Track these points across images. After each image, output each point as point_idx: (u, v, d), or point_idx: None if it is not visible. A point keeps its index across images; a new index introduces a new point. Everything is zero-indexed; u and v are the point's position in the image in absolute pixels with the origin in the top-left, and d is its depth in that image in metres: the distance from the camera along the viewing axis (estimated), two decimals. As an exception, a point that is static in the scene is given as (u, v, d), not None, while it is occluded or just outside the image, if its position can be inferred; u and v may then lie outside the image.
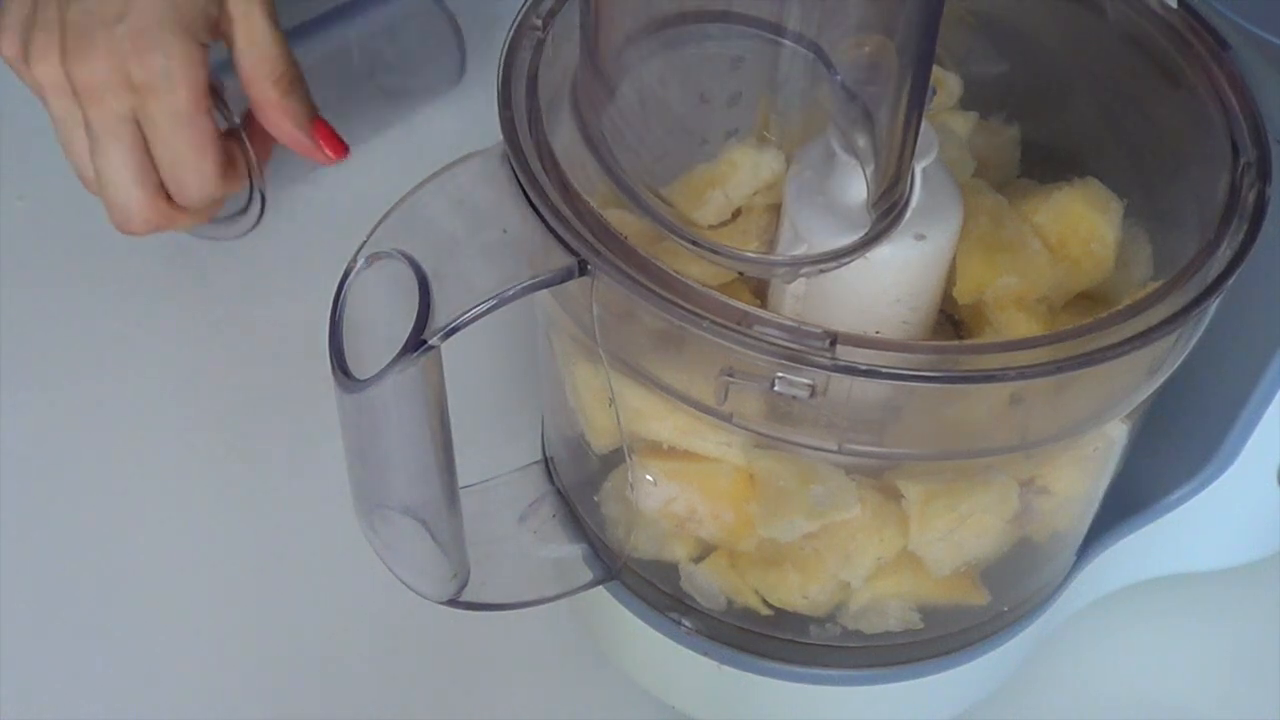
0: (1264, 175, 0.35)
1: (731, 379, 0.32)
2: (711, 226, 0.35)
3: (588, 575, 0.41)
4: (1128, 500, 0.43)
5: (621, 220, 0.33)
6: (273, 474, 0.52)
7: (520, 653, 0.47)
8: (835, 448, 0.32)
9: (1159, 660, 0.48)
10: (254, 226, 0.56)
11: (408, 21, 0.60)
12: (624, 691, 0.45)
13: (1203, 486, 0.43)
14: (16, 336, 0.56)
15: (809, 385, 0.31)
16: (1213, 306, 0.33)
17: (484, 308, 0.32)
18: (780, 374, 0.31)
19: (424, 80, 0.61)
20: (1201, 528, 0.44)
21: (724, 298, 0.31)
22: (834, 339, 0.30)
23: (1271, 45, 0.37)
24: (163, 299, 0.58)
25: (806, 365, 0.30)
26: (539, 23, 0.36)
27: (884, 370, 0.30)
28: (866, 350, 0.30)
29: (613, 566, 0.40)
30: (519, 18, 0.36)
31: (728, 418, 0.32)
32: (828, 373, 0.30)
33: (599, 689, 0.46)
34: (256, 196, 0.55)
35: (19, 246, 0.59)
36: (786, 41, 0.32)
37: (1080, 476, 0.38)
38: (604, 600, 0.41)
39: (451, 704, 0.46)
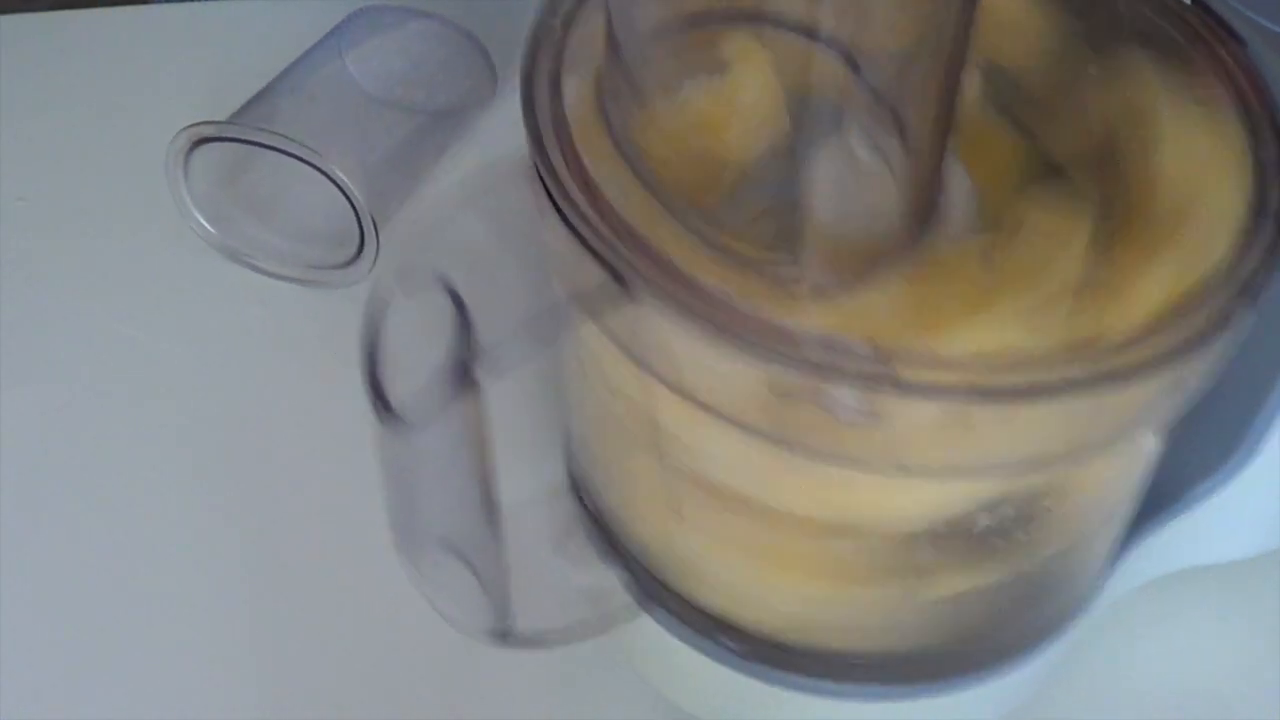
0: (1286, 173, 0.35)
1: (781, 399, 0.31)
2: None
3: (628, 602, 0.40)
4: (1153, 497, 0.43)
5: (655, 230, 0.32)
6: (278, 478, 0.51)
7: (539, 659, 0.46)
8: (892, 466, 0.32)
9: (1184, 651, 0.48)
10: (370, 270, 0.55)
11: (430, 49, 0.60)
12: (649, 703, 0.45)
13: (1228, 479, 0.43)
14: (16, 336, 0.55)
15: (864, 407, 0.30)
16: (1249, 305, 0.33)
17: (539, 350, 0.31)
18: (830, 393, 0.30)
19: (462, 99, 0.61)
20: (1226, 520, 0.44)
21: (768, 314, 0.30)
22: (888, 357, 0.30)
23: (1287, 40, 0.37)
24: (165, 299, 0.57)
25: (861, 385, 0.30)
26: (557, 23, 0.36)
27: (938, 388, 0.30)
28: (923, 368, 0.30)
29: (652, 591, 0.40)
30: (537, 20, 0.36)
31: (780, 441, 0.32)
32: (879, 392, 0.30)
33: (622, 699, 0.46)
34: (370, 241, 0.54)
35: (19, 247, 0.58)
36: (815, 42, 0.32)
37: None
38: (642, 622, 0.41)
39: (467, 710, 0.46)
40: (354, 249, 0.55)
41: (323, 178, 0.53)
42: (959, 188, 0.36)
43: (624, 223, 0.32)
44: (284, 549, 0.49)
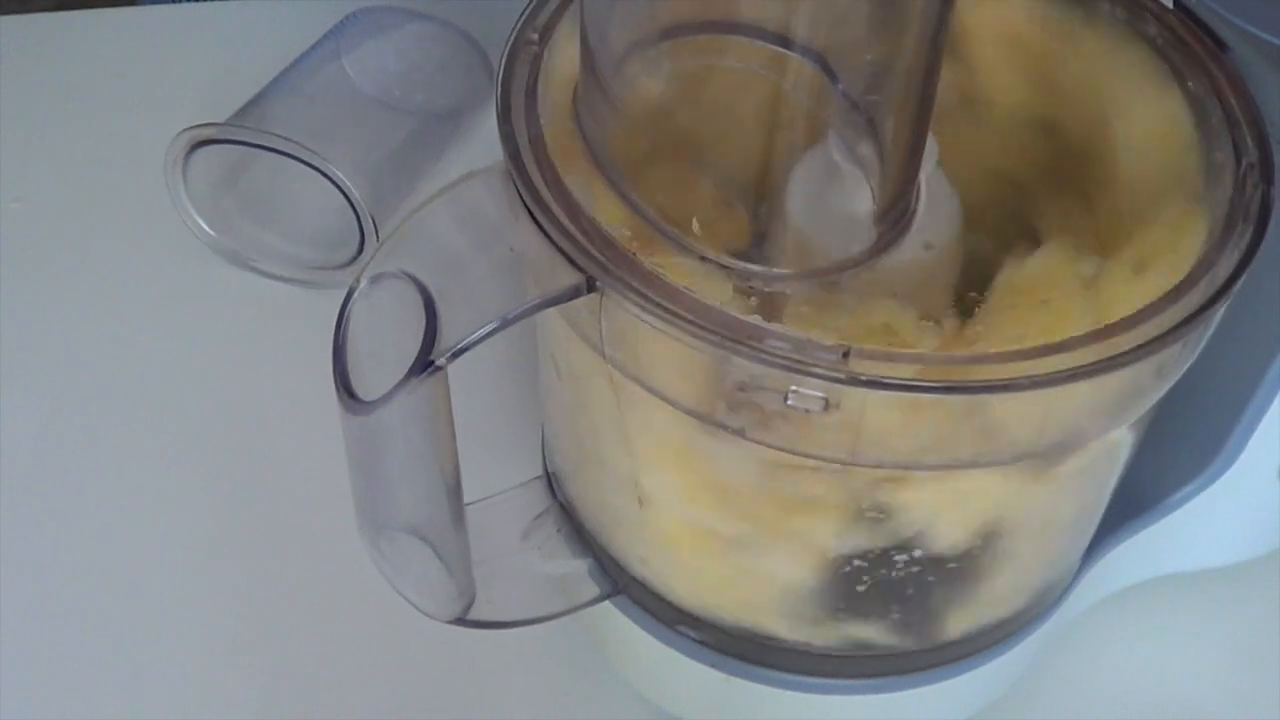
0: (1267, 177, 0.35)
1: (743, 393, 0.31)
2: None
3: (594, 591, 0.40)
4: (1131, 502, 0.43)
5: (627, 235, 0.33)
6: (275, 479, 0.51)
7: (522, 663, 0.47)
8: (849, 458, 0.32)
9: (1163, 658, 0.48)
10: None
11: (428, 51, 0.61)
12: (628, 703, 0.45)
13: (1206, 486, 0.43)
14: (15, 337, 0.55)
15: (822, 399, 0.30)
16: (1221, 310, 0.33)
17: (491, 327, 0.32)
18: (793, 388, 0.30)
19: (460, 100, 0.61)
20: (1204, 526, 0.44)
21: (735, 313, 0.31)
22: (846, 351, 0.30)
23: (1269, 45, 0.37)
24: (162, 300, 0.57)
25: (819, 379, 0.30)
26: (534, 36, 0.36)
27: (898, 382, 0.30)
28: (880, 362, 0.30)
29: (619, 581, 0.40)
30: (514, 32, 0.36)
31: (740, 432, 0.32)
32: (841, 385, 0.30)
33: (603, 700, 0.46)
34: (370, 241, 0.55)
35: (16, 248, 0.59)
36: (790, 52, 0.32)
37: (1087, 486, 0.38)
38: (609, 613, 0.41)
39: (452, 716, 0.46)
40: (353, 249, 0.55)
41: (321, 179, 0.53)
42: (940, 197, 0.36)
43: (592, 223, 0.32)
44: (282, 547, 0.49)
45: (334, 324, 0.33)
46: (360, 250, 0.55)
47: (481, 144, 0.61)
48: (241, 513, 0.50)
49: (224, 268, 0.58)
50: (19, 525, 0.50)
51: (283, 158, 0.53)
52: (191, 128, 0.54)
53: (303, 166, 0.53)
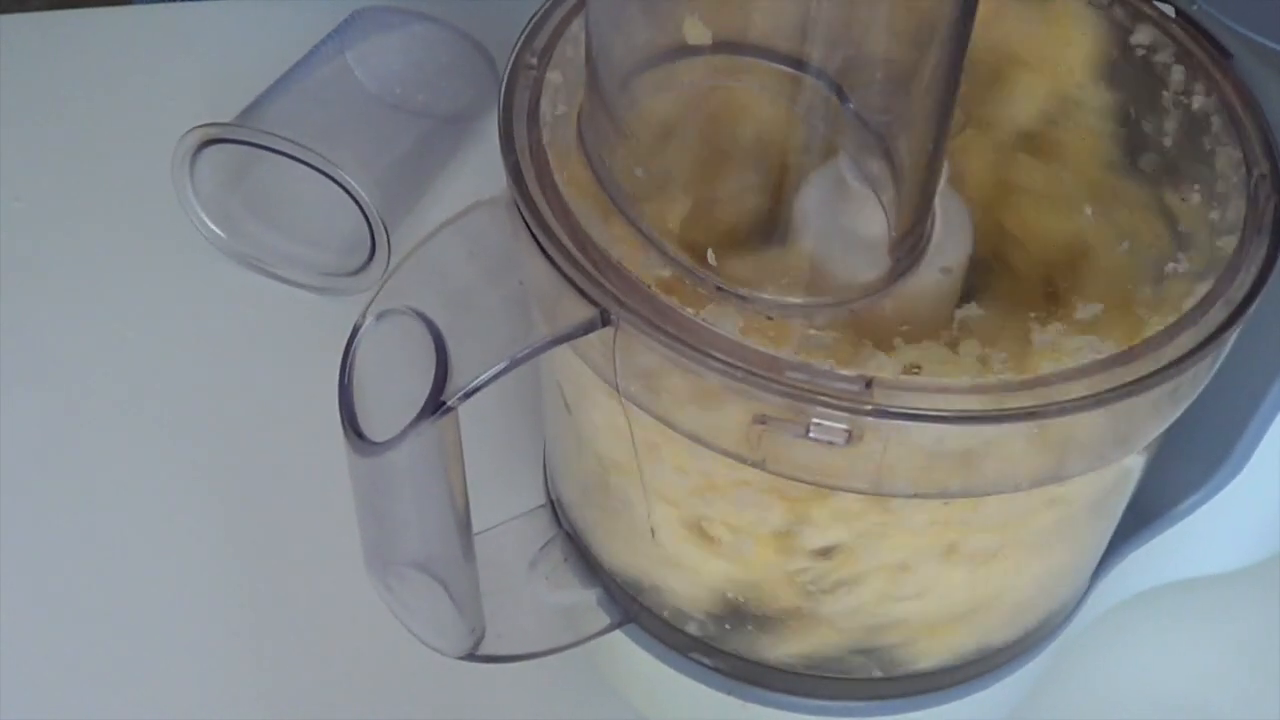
0: (1279, 188, 0.34)
1: (764, 426, 0.31)
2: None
3: (604, 620, 0.40)
4: (1139, 513, 0.43)
5: (637, 263, 0.32)
6: (278, 479, 0.51)
7: (531, 691, 0.46)
8: (873, 489, 0.32)
9: (1169, 661, 0.48)
10: (382, 276, 0.55)
11: (432, 53, 0.60)
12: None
13: (1213, 494, 0.42)
14: (14, 338, 0.55)
15: (845, 430, 0.30)
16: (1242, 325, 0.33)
17: (502, 366, 0.31)
18: (815, 420, 0.30)
19: (466, 104, 0.60)
20: (1211, 533, 0.44)
21: (754, 344, 0.30)
22: (869, 381, 0.30)
23: (1273, 52, 0.37)
24: (163, 300, 0.57)
25: (843, 410, 0.30)
26: (534, 61, 0.35)
27: (922, 413, 0.29)
28: (905, 392, 0.29)
29: (629, 610, 0.39)
30: (513, 56, 0.35)
31: (760, 464, 0.32)
32: (864, 417, 0.30)
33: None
34: (382, 249, 0.53)
35: (16, 247, 0.58)
36: (803, 74, 0.31)
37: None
38: (620, 642, 0.40)
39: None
40: (364, 255, 0.54)
41: (327, 180, 0.52)
42: (955, 217, 0.35)
43: (604, 255, 0.31)
44: (280, 550, 0.49)
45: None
46: (371, 256, 0.54)
47: (490, 150, 0.60)
48: (245, 518, 0.50)
49: (228, 268, 0.57)
50: (20, 527, 0.49)
51: (288, 158, 0.53)
52: (200, 126, 0.53)
53: (309, 168, 0.52)
